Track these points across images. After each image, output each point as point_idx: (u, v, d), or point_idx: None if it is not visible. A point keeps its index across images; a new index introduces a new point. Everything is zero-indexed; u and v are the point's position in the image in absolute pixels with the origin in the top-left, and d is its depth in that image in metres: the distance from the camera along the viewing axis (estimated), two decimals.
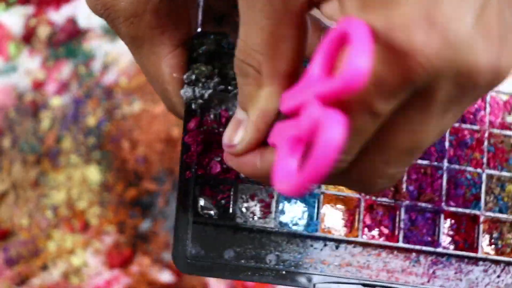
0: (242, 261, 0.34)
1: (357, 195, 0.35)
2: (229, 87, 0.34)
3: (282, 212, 0.34)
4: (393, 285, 0.34)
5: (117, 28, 0.35)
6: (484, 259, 0.35)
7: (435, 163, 0.35)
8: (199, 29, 0.35)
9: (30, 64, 0.61)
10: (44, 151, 0.60)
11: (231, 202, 0.34)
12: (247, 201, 0.34)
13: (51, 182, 0.59)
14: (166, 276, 0.56)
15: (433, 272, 0.35)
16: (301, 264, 0.34)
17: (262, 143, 0.28)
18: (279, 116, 0.27)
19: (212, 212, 0.33)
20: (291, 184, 0.21)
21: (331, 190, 0.35)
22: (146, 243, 0.57)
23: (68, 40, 0.61)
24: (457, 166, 0.35)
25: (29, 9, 0.62)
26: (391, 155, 0.25)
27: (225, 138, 0.29)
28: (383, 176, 0.26)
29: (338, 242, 0.35)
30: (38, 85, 0.61)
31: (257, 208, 0.34)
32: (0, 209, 0.58)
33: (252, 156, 0.28)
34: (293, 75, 0.26)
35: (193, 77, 0.34)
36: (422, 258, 0.35)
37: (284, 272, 0.34)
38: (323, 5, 0.25)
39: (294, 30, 0.25)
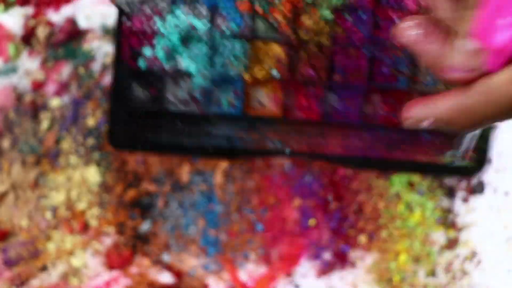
0: (176, 140, 0.37)
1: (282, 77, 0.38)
2: None
3: (210, 97, 0.37)
4: (321, 155, 0.38)
5: None
6: None
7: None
8: None
9: (29, 65, 0.61)
10: (43, 152, 0.59)
11: (163, 91, 0.36)
12: (177, 90, 0.37)
13: (50, 183, 0.59)
14: (165, 277, 0.56)
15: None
16: (231, 140, 0.37)
17: None
18: None
19: (144, 99, 0.36)
20: None
21: (256, 73, 0.37)
22: (145, 244, 0.57)
23: (68, 41, 0.61)
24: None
25: (29, 10, 0.61)
26: None
27: None
28: None
29: (262, 120, 0.37)
30: (37, 86, 0.61)
31: (186, 95, 0.37)
32: (0, 210, 0.58)
33: None
34: None
35: None
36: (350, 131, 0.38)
37: (212, 150, 0.38)
38: None
39: None
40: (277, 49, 0.37)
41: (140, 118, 0.38)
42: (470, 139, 0.39)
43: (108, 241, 0.57)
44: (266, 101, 0.37)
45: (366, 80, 0.38)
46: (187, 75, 0.37)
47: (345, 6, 0.36)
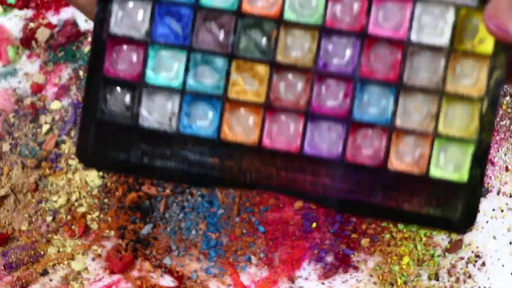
0: (147, 160, 0.35)
1: (262, 101, 0.35)
2: None
3: (187, 114, 0.35)
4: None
5: None
6: None
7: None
8: None
9: (29, 68, 0.61)
10: (43, 156, 0.59)
11: (136, 103, 0.35)
12: (151, 103, 0.35)
13: (50, 186, 0.58)
14: (167, 281, 0.55)
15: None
16: (203, 165, 0.35)
17: None
18: None
19: (118, 112, 0.35)
20: None
21: (235, 95, 0.35)
22: (146, 248, 0.56)
23: (68, 43, 0.61)
24: None
25: (28, 13, 0.61)
26: None
27: None
28: None
29: (238, 147, 0.35)
30: (37, 89, 0.61)
31: (160, 111, 0.35)
32: (0, 214, 0.58)
33: None
34: None
35: None
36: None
37: (188, 171, 0.35)
38: None
39: None
40: (261, 70, 0.35)
41: (109, 132, 0.35)
42: None
43: (108, 245, 0.57)
44: (243, 126, 0.36)
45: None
46: (166, 89, 0.35)
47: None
